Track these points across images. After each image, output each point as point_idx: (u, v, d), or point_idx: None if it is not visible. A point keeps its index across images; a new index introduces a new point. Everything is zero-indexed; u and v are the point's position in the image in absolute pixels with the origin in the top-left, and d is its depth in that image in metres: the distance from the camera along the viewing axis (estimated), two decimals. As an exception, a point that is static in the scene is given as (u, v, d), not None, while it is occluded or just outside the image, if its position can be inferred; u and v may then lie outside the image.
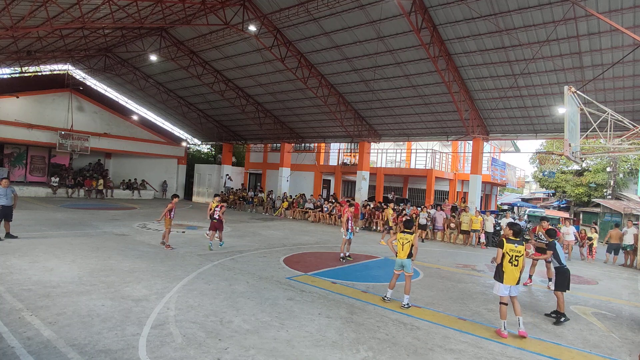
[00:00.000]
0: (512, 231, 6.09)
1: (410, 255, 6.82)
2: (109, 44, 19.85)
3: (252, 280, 7.78)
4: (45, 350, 4.24)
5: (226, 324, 5.34)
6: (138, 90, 24.93)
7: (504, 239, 6.02)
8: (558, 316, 6.63)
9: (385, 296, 6.95)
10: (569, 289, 6.94)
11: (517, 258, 5.76)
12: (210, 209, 10.79)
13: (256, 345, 4.77)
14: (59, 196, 23.83)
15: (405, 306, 6.66)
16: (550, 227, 8.78)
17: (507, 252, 5.82)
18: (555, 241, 7.12)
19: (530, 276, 9.48)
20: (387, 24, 13.48)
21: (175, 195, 10.97)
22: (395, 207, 18.07)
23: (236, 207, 24.72)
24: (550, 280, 9.25)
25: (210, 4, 14.22)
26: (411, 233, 6.95)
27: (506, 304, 5.82)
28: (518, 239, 5.92)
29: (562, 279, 6.87)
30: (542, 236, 9.74)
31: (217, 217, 10.66)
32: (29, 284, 6.45)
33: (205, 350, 4.51)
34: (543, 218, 10.71)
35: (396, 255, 6.97)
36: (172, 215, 10.44)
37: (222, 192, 27.18)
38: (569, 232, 13.96)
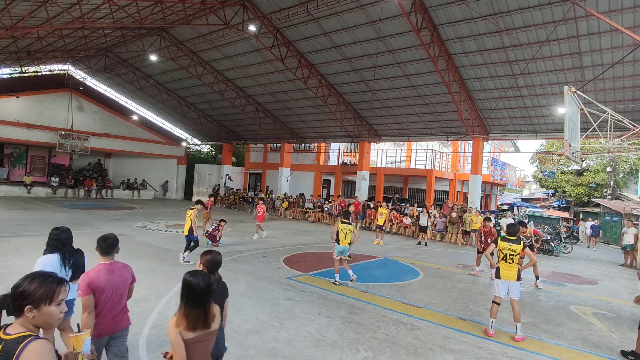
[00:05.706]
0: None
1: (350, 243, 7.99)
2: (109, 44, 19.84)
3: (252, 280, 7.78)
4: (45, 350, 4.23)
5: (226, 324, 5.33)
6: (138, 90, 24.92)
7: (499, 237, 6.16)
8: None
9: (335, 281, 7.90)
10: None
11: (511, 257, 5.84)
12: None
13: (256, 345, 4.77)
14: (59, 196, 23.86)
15: (352, 281, 7.79)
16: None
17: (500, 250, 5.93)
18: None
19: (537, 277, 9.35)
20: (387, 24, 13.47)
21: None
22: (397, 207, 18.08)
23: (236, 207, 24.72)
24: (537, 278, 9.21)
25: (210, 4, 14.22)
26: (350, 223, 8.01)
27: (498, 304, 5.85)
28: (513, 239, 5.98)
29: None
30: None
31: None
32: (29, 284, 6.44)
33: (205, 350, 4.51)
34: (487, 219, 10.47)
35: (338, 243, 7.87)
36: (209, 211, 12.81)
37: (218, 192, 27.20)
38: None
